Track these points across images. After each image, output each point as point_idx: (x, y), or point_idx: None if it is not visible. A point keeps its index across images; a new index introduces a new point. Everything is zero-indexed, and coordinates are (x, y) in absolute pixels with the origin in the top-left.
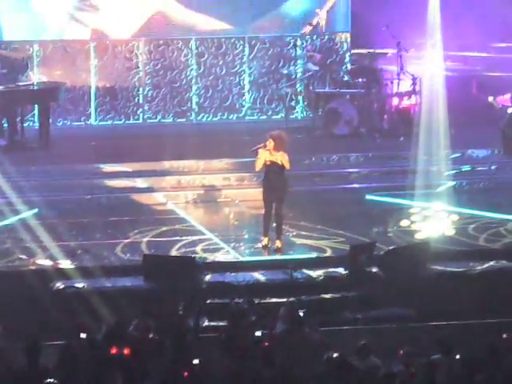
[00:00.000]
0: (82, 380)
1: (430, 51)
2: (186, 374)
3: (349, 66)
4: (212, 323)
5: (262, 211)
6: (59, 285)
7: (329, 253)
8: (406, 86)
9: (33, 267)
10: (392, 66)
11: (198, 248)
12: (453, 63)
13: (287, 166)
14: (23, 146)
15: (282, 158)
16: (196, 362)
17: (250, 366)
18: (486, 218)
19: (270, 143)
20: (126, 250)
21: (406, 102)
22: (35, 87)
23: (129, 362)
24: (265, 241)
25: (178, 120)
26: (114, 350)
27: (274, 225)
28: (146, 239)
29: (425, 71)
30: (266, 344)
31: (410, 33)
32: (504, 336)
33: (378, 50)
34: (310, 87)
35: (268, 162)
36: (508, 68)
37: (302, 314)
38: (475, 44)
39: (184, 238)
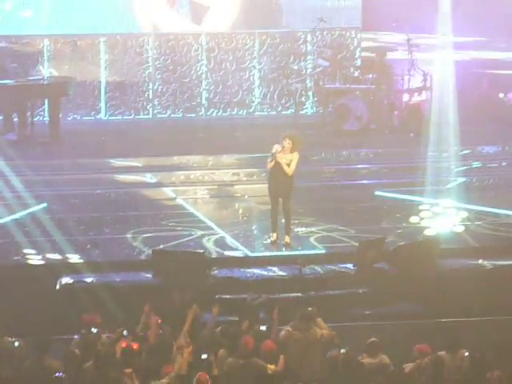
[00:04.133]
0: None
1: (441, 47)
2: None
3: (359, 62)
4: (221, 318)
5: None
6: (68, 279)
7: (338, 249)
8: (416, 82)
9: (42, 261)
10: (402, 62)
11: (207, 243)
12: (464, 58)
13: (290, 171)
14: (33, 140)
15: (293, 158)
16: (204, 356)
17: (254, 362)
18: (495, 214)
19: (289, 144)
20: (135, 244)
21: (416, 98)
22: (45, 82)
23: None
24: (273, 236)
25: (188, 115)
26: (123, 345)
27: (283, 220)
28: (154, 234)
29: (435, 67)
30: (271, 341)
31: (421, 28)
32: None
33: (388, 46)
34: (320, 83)
35: (278, 160)
36: None
37: (310, 310)
38: (487, 40)
39: (193, 233)
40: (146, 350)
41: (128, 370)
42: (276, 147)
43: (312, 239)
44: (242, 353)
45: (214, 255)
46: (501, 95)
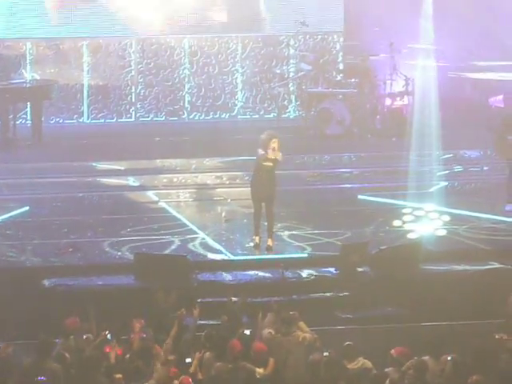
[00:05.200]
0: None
1: (423, 52)
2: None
3: (341, 66)
4: (203, 322)
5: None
6: (50, 283)
7: (320, 252)
8: (398, 86)
9: (24, 265)
10: (385, 67)
11: (190, 246)
12: (445, 63)
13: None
14: (15, 143)
15: (280, 157)
16: (188, 360)
17: (243, 365)
18: (477, 218)
19: (275, 143)
20: (117, 248)
21: (398, 103)
22: (28, 85)
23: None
24: (256, 240)
25: (171, 119)
26: (107, 350)
27: (266, 224)
28: (137, 237)
29: (417, 72)
30: (261, 344)
31: (403, 33)
32: (496, 337)
33: (370, 51)
34: (303, 87)
35: (268, 162)
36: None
37: (292, 313)
38: (468, 45)
39: (175, 236)
40: (129, 354)
41: (118, 376)
42: (260, 151)
43: (294, 243)
44: (229, 356)
45: (197, 259)
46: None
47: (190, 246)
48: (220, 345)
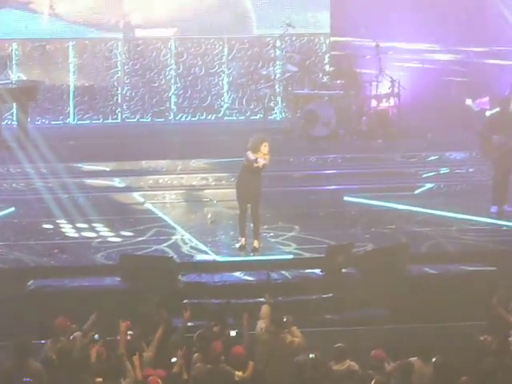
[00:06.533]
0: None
1: (409, 53)
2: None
3: (328, 68)
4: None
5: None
6: (36, 284)
7: (306, 254)
8: (384, 88)
9: (9, 266)
10: (371, 68)
11: (176, 248)
12: (431, 66)
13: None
14: (1, 144)
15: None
16: (174, 360)
17: (222, 367)
18: (462, 220)
19: (266, 147)
20: (102, 249)
21: (384, 104)
22: (14, 86)
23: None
24: (242, 241)
25: (157, 120)
26: (94, 349)
27: (252, 225)
28: (122, 239)
29: (403, 73)
30: (240, 348)
31: (390, 34)
32: (481, 338)
33: (356, 52)
34: (289, 88)
35: (261, 165)
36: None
37: (284, 318)
38: (454, 46)
39: (161, 237)
40: (112, 355)
41: (98, 380)
42: (250, 155)
43: (280, 244)
44: (210, 358)
45: (182, 260)
46: (468, 101)
47: (176, 247)
48: (205, 346)
